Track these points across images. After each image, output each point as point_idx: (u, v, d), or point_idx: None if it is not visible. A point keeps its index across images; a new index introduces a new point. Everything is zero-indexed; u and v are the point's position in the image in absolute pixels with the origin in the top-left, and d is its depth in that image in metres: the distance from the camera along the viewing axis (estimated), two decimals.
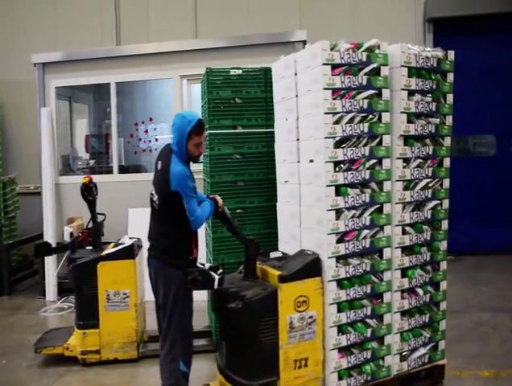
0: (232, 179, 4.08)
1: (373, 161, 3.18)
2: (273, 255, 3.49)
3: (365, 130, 3.14)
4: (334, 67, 3.04)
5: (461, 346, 4.24)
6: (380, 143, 3.20)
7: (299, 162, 3.42)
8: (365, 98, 3.14)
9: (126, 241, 4.34)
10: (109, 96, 6.59)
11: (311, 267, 3.08)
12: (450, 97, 3.54)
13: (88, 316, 4.15)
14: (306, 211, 3.34)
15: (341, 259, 3.12)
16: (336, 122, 3.05)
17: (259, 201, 4.11)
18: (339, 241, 3.10)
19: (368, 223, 3.19)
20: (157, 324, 3.22)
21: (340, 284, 3.12)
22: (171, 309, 3.03)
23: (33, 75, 6.57)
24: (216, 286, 3.02)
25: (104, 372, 4.05)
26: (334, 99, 3.05)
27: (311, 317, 3.07)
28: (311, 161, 3.22)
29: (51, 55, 6.61)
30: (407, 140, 3.31)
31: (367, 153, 3.16)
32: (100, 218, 4.56)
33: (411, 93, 3.30)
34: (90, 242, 4.57)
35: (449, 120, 3.54)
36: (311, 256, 3.14)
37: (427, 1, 7.34)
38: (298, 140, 3.41)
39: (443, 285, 3.59)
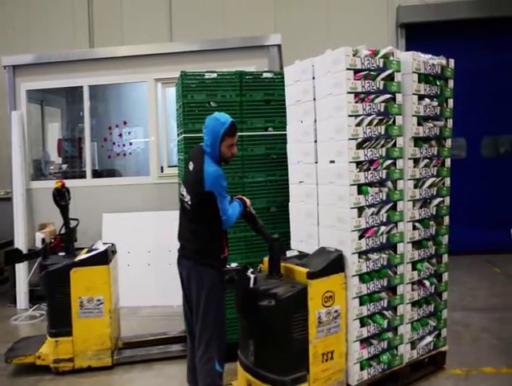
0: None
1: (390, 161, 3.43)
2: (289, 254, 3.57)
3: (382, 132, 3.37)
4: (356, 72, 3.24)
5: None
6: (394, 144, 3.45)
7: (316, 162, 3.55)
8: (382, 102, 3.37)
9: (100, 247, 4.28)
10: (82, 100, 6.49)
11: (335, 263, 3.24)
12: (450, 102, 3.83)
13: (60, 324, 4.06)
14: (325, 210, 3.48)
15: (362, 254, 3.32)
16: (358, 124, 3.25)
17: None
18: (360, 238, 3.29)
19: (385, 219, 3.42)
20: (185, 326, 3.22)
21: (362, 278, 3.32)
22: (205, 309, 3.04)
23: (3, 78, 6.43)
24: (251, 285, 3.09)
25: (77, 381, 3.97)
26: (356, 102, 3.24)
27: (336, 311, 3.22)
28: (332, 161, 3.37)
29: (21, 58, 6.46)
30: (417, 141, 3.59)
31: (384, 154, 3.39)
32: (73, 223, 4.48)
33: (420, 98, 3.57)
34: (63, 248, 4.49)
35: (450, 123, 3.84)
36: (335, 252, 3.29)
37: (399, 6, 7.48)
38: (315, 142, 3.53)
39: (445, 277, 3.88)
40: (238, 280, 3.11)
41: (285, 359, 3.05)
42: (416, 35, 7.67)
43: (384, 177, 3.40)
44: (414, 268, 3.61)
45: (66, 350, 4.05)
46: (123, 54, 6.35)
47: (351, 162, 3.22)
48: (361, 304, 3.31)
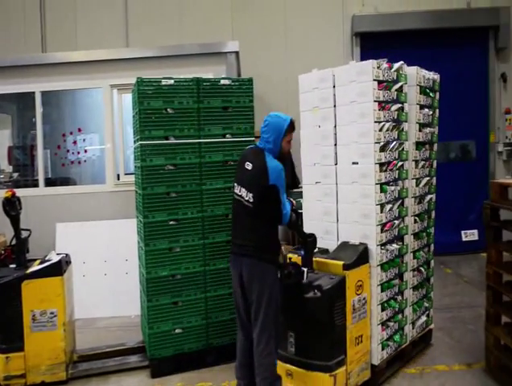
0: (164, 191, 4.01)
1: (401, 163, 3.86)
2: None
3: (396, 137, 3.80)
4: (379, 82, 3.63)
5: None
6: (403, 148, 3.90)
7: (336, 164, 3.84)
8: (395, 110, 3.79)
9: (54, 257, 4.14)
10: (34, 106, 6.30)
11: (363, 255, 3.59)
12: (437, 111, 4.38)
13: (11, 339, 3.89)
14: (347, 208, 3.79)
15: (383, 246, 3.71)
16: (380, 130, 3.62)
17: (192, 212, 4.08)
18: (381, 231, 3.67)
19: (397, 215, 3.85)
20: (240, 325, 3.33)
21: (383, 267, 3.70)
22: (267, 305, 3.12)
23: None
24: (305, 279, 3.34)
25: None
26: (379, 110, 3.62)
27: (364, 298, 3.58)
28: (355, 163, 3.70)
29: None
30: (417, 145, 4.08)
31: (397, 156, 3.82)
32: (24, 234, 4.31)
33: (421, 107, 4.09)
34: (14, 260, 4.30)
35: (437, 130, 4.39)
36: (361, 245, 3.63)
37: (353, 16, 7.69)
38: (335, 145, 3.83)
39: (432, 263, 4.46)
40: (295, 274, 3.32)
41: (328, 345, 3.33)
42: (370, 44, 7.89)
43: (397, 177, 3.84)
44: (414, 257, 4.10)
45: (17, 366, 3.88)
46: (77, 59, 6.22)
47: (376, 164, 3.59)
48: (382, 291, 3.71)
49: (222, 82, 4.24)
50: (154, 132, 4.01)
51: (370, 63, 3.56)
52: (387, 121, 3.67)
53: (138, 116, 4.06)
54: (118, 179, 6.28)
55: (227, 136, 4.21)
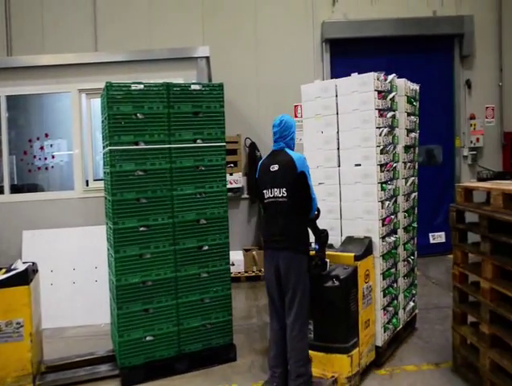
0: (134, 197, 3.97)
1: (395, 164, 4.35)
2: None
3: (390, 141, 4.27)
4: (378, 92, 4.07)
5: None
6: (395, 151, 4.36)
7: (339, 166, 4.26)
8: (390, 117, 4.24)
9: (20, 266, 4.02)
10: None
11: (369, 247, 4.02)
12: (417, 118, 4.89)
13: None
14: (350, 205, 4.23)
15: (383, 239, 4.16)
16: (379, 135, 4.07)
17: (163, 218, 4.04)
18: (382, 225, 4.13)
19: (392, 210, 4.32)
20: (275, 316, 3.61)
21: (384, 258, 4.16)
22: (302, 294, 3.46)
23: None
24: (327, 269, 3.71)
25: None
26: (379, 117, 4.06)
27: (370, 286, 4.00)
28: (358, 165, 4.14)
29: None
30: (405, 149, 4.57)
31: (392, 159, 4.29)
32: None
33: (408, 114, 4.60)
34: None
35: (418, 134, 4.90)
36: (366, 239, 4.05)
37: (323, 22, 7.80)
38: (338, 149, 4.25)
39: (415, 255, 4.95)
40: (320, 265, 3.66)
41: (345, 329, 3.71)
42: (340, 50, 8.02)
43: (392, 177, 4.30)
44: (404, 249, 4.59)
45: None
46: (45, 63, 6.08)
47: (377, 165, 4.04)
48: (383, 279, 4.16)
49: (193, 87, 4.24)
50: (123, 137, 3.96)
51: (372, 76, 4.02)
52: (385, 127, 4.13)
53: (107, 121, 4.00)
54: (87, 185, 6.17)
55: (198, 141, 4.20)
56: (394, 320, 4.32)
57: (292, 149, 3.65)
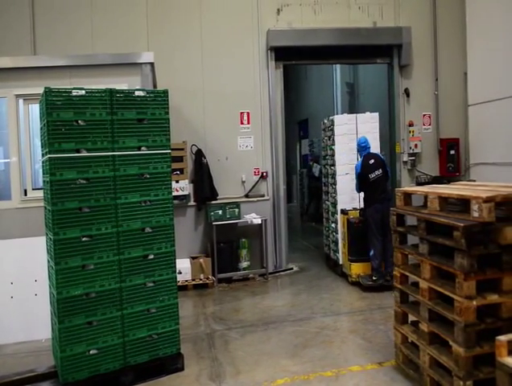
0: (76, 206, 3.84)
1: None
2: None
3: None
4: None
5: (308, 351, 4.58)
6: None
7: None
8: None
9: None
10: None
11: None
12: None
13: None
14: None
15: None
16: None
17: (107, 227, 3.94)
18: None
19: None
20: (380, 237, 6.56)
21: None
22: (388, 225, 5.04)
23: None
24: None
25: None
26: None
27: None
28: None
29: None
30: None
31: None
32: None
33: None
34: None
35: None
36: None
37: (268, 30, 7.91)
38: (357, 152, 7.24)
39: None
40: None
41: None
42: (285, 58, 8.18)
43: None
44: None
45: None
46: None
47: None
48: None
49: (137, 93, 4.16)
50: (64, 144, 3.83)
51: (376, 115, 7.49)
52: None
53: (46, 128, 3.85)
54: (26, 195, 5.91)
55: (142, 148, 4.13)
56: None
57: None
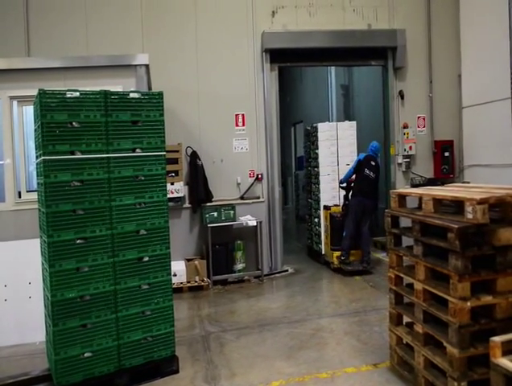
0: (70, 208, 3.82)
1: None
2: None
3: None
4: None
5: (303, 353, 4.58)
6: None
7: (338, 165, 8.18)
8: None
9: None
10: None
11: None
12: None
13: None
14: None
15: None
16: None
17: (101, 230, 3.93)
18: None
19: None
20: (355, 223, 7.49)
21: None
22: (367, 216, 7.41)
23: None
24: None
25: None
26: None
27: None
28: (348, 164, 7.97)
29: None
30: None
31: None
32: None
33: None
34: None
35: None
36: None
37: (263, 33, 7.92)
38: (338, 156, 8.18)
39: None
40: None
41: None
42: (280, 60, 8.20)
43: None
44: None
45: None
46: None
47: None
48: None
49: (131, 95, 4.16)
50: (58, 146, 3.82)
51: (354, 123, 8.32)
52: None
53: (41, 129, 3.84)
54: (20, 197, 5.88)
55: (137, 150, 4.12)
56: None
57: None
